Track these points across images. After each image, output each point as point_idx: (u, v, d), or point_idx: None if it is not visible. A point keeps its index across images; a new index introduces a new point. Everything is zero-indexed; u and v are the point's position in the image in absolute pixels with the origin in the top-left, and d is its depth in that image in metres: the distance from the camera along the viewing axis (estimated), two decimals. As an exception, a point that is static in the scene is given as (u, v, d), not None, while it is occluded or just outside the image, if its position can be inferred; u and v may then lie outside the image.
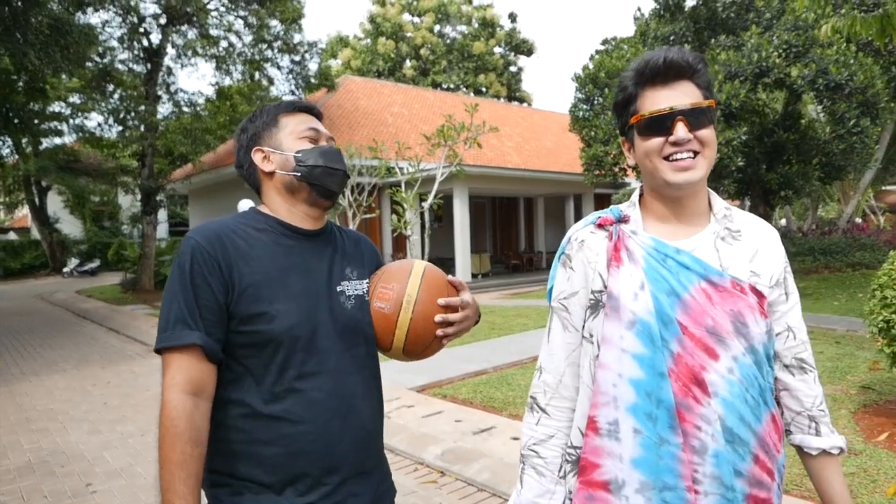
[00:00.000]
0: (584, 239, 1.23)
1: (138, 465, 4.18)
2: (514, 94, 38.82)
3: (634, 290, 1.12)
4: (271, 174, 1.35)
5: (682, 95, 1.12)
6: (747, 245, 1.15)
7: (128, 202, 28.14)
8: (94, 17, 19.30)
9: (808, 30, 11.16)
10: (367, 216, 12.01)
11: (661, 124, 1.11)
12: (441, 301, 1.34)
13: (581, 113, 14.25)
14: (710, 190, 1.21)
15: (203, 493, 1.20)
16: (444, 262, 17.00)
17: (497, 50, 37.86)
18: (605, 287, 1.15)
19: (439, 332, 1.34)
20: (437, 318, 1.32)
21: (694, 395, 1.07)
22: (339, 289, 1.33)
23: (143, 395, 6.18)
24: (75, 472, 4.09)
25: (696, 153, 1.11)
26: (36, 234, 28.43)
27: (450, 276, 1.42)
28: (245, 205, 11.35)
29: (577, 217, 18.11)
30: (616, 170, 13.61)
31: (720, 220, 1.17)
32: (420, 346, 1.35)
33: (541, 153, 20.37)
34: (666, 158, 1.12)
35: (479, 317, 1.47)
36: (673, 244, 1.14)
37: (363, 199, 11.20)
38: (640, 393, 1.09)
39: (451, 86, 35.57)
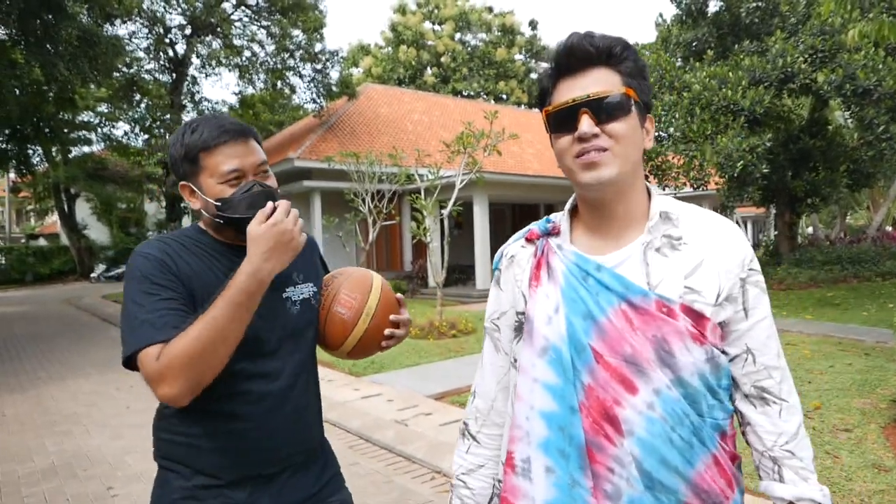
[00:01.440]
0: (513, 254, 1.15)
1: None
2: (535, 100, 38.71)
3: (549, 313, 1.01)
4: (201, 211, 1.35)
5: (590, 85, 0.97)
6: (688, 255, 0.98)
7: (153, 209, 28.70)
8: (121, 29, 19.78)
9: (834, 34, 10.96)
10: (387, 223, 12.06)
11: (566, 119, 0.98)
12: (392, 318, 1.46)
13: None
14: (651, 189, 1.08)
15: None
16: (464, 269, 16.98)
17: (518, 57, 37.88)
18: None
19: (384, 343, 1.46)
20: (386, 331, 1.45)
21: (605, 433, 0.95)
22: (284, 295, 1.38)
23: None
24: (97, 476, 4.14)
25: (605, 149, 0.97)
26: (65, 240, 29.11)
27: (398, 294, 1.54)
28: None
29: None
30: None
31: (656, 225, 1.01)
32: (364, 352, 1.48)
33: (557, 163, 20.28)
34: (577, 157, 0.99)
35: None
36: (596, 258, 1.01)
37: (383, 206, 11.25)
38: (552, 427, 0.99)
39: (472, 93, 35.65)
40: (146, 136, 16.90)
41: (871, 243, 16.77)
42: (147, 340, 1.15)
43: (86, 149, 24.29)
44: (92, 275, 26.61)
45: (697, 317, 0.95)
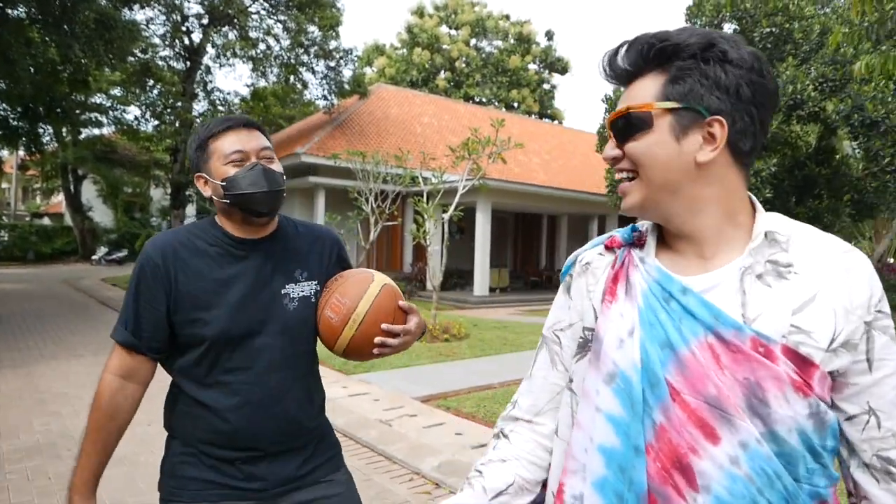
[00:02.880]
0: (589, 261, 1.01)
1: (142, 453, 4.26)
2: (545, 110, 38.84)
3: (621, 336, 0.88)
4: (211, 198, 1.47)
5: (624, 101, 0.88)
6: (798, 286, 0.81)
7: (158, 195, 28.83)
8: (138, 14, 19.91)
9: (845, 64, 11.00)
10: (389, 224, 12.10)
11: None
12: (384, 326, 1.44)
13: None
14: (756, 204, 0.91)
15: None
16: (463, 274, 17.01)
17: (532, 66, 37.98)
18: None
19: (375, 350, 1.46)
20: (377, 339, 1.44)
21: (675, 484, 0.81)
22: (283, 292, 1.47)
23: (155, 385, 6.24)
24: (81, 457, 4.18)
25: (632, 172, 0.87)
26: (69, 220, 29.24)
27: (402, 302, 1.51)
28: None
29: (600, 238, 17.96)
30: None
31: (759, 248, 0.85)
32: (357, 356, 1.50)
33: (567, 171, 20.33)
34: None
35: (424, 332, 1.60)
36: (683, 279, 0.86)
37: (386, 206, 11.30)
38: (611, 466, 0.86)
39: (484, 99, 35.75)
40: (156, 122, 16.98)
41: (871, 274, 16.75)
42: (117, 336, 1.44)
43: (96, 131, 24.46)
44: (93, 257, 26.73)
45: (803, 362, 0.79)
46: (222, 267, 1.42)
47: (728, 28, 13.49)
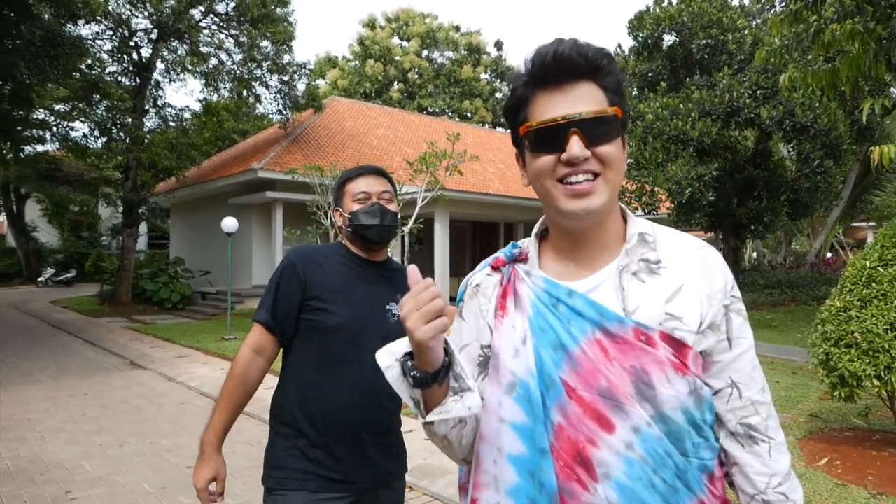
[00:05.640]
0: (479, 283, 1.05)
1: (117, 474, 4.30)
2: (498, 119, 39.48)
3: (516, 345, 0.92)
4: (342, 227, 1.87)
5: (579, 101, 0.88)
6: (668, 279, 0.90)
7: (108, 213, 28.01)
8: (84, 29, 19.41)
9: (776, 73, 11.76)
10: (349, 236, 12.18)
11: (551, 138, 0.88)
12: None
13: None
14: (625, 210, 1.00)
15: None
16: (424, 283, 17.16)
17: (483, 76, 38.59)
18: None
19: None
20: None
21: (578, 478, 0.86)
22: (388, 307, 1.81)
23: (121, 406, 6.27)
24: (54, 480, 4.20)
25: (595, 174, 0.88)
26: (11, 241, 28.08)
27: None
28: (229, 222, 11.36)
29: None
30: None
31: (633, 248, 0.93)
32: None
33: (522, 179, 20.78)
34: (560, 181, 0.89)
35: None
36: (568, 284, 0.93)
37: (346, 219, 11.38)
38: (521, 472, 0.90)
39: (437, 110, 36.11)
40: (105, 139, 16.59)
41: (809, 269, 17.75)
42: (258, 317, 1.76)
43: (39, 148, 23.62)
44: (39, 279, 25.75)
45: (678, 345, 0.87)
46: (346, 274, 1.79)
47: (668, 40, 14.20)
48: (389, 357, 0.92)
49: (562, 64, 0.88)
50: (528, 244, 1.03)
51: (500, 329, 0.96)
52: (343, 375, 1.70)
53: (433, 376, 0.87)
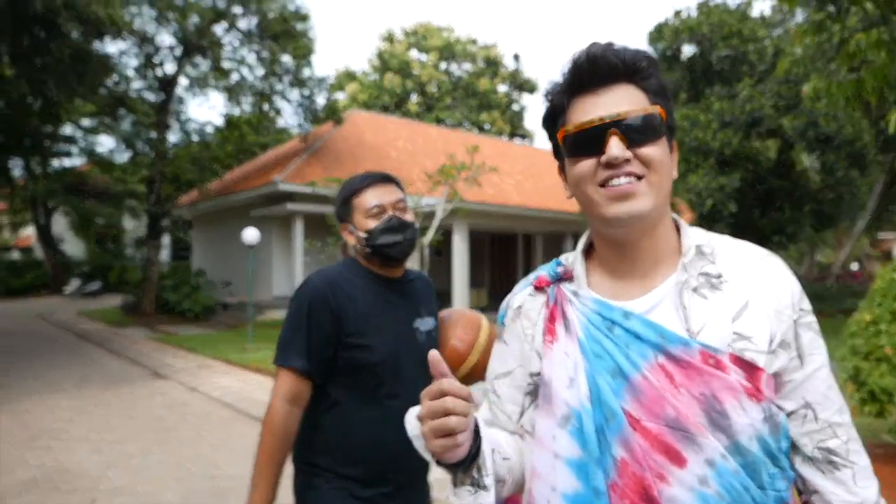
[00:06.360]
0: (521, 304, 0.99)
1: (140, 483, 4.35)
2: (516, 131, 39.56)
3: (570, 374, 0.86)
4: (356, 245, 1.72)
5: (618, 102, 0.84)
6: (732, 295, 0.83)
7: (132, 225, 28.55)
8: (111, 46, 19.90)
9: (798, 83, 11.63)
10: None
11: (590, 141, 0.84)
12: None
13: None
14: (679, 221, 0.93)
15: (294, 477, 1.64)
16: (441, 295, 17.15)
17: (501, 88, 38.74)
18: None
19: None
20: None
21: None
22: (415, 325, 1.70)
23: (145, 416, 6.34)
24: (79, 489, 4.25)
25: (639, 178, 0.83)
26: (39, 253, 28.70)
27: None
28: (251, 234, 11.47)
29: (575, 255, 18.33)
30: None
31: (692, 262, 0.86)
32: (474, 379, 1.75)
33: (540, 191, 20.77)
34: (602, 186, 0.84)
35: None
36: (621, 305, 0.86)
37: (365, 231, 11.44)
38: None
39: (455, 122, 36.30)
40: (131, 153, 16.97)
41: (834, 281, 17.42)
42: (291, 363, 1.56)
43: (67, 162, 24.19)
44: (66, 290, 26.24)
45: (750, 368, 0.80)
46: (372, 299, 1.64)
47: (688, 51, 14.15)
48: (417, 426, 0.86)
49: (596, 64, 0.85)
50: (573, 260, 0.96)
51: (550, 356, 0.89)
52: (388, 409, 1.59)
53: (454, 465, 0.84)
